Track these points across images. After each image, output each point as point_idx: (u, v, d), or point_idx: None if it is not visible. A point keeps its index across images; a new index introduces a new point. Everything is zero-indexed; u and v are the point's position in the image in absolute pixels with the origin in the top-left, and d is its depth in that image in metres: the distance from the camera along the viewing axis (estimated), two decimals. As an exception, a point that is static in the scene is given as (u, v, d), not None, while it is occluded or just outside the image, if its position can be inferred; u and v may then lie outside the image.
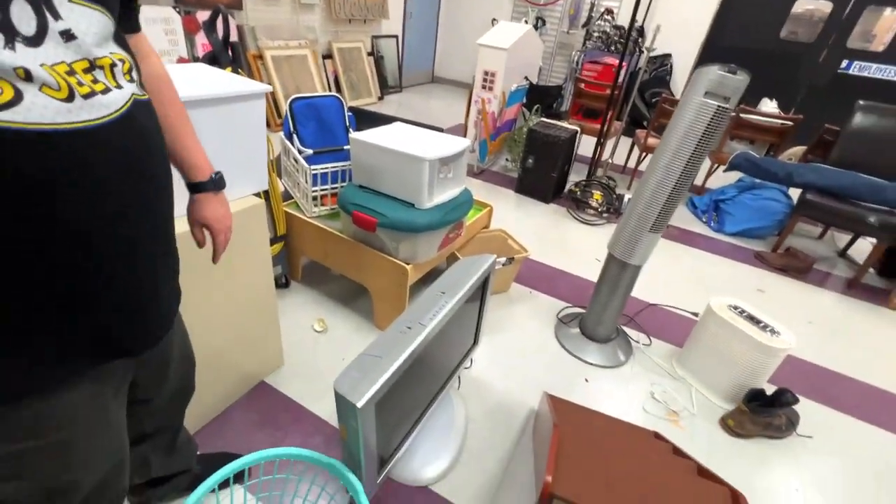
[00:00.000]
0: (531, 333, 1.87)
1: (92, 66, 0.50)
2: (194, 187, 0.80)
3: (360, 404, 0.81)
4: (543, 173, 3.04)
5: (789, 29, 4.61)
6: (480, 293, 1.33)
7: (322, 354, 1.63)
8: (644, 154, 3.55)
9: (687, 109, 1.27)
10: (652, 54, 4.83)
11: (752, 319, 1.57)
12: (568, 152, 3.06)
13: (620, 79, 3.04)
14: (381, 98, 5.34)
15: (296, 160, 1.75)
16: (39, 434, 0.57)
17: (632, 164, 3.82)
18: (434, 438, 1.33)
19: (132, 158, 0.53)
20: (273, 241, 1.78)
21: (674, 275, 2.44)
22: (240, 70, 1.38)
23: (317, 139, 1.80)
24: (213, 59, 1.36)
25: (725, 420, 1.54)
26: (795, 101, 4.69)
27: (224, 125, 1.06)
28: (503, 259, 1.87)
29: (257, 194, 1.23)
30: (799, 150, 3.33)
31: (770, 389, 1.52)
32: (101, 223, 0.51)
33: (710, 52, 4.85)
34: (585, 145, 3.77)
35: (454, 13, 6.38)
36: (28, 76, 0.43)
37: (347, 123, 1.87)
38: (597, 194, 2.96)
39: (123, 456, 0.72)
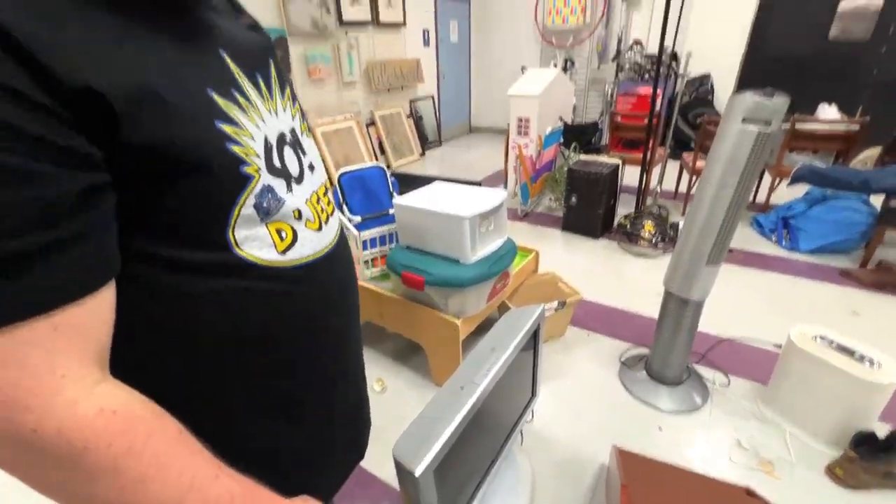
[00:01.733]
0: (594, 379, 1.79)
1: (325, 188, 0.57)
2: None
3: (418, 472, 0.81)
4: (589, 210, 3.01)
5: (840, 28, 4.38)
6: (533, 343, 1.31)
7: (383, 414, 1.65)
8: (694, 177, 3.42)
9: (726, 138, 1.24)
10: (689, 77, 4.77)
11: (843, 350, 1.41)
12: (612, 186, 3.02)
13: (657, 108, 3.01)
14: (422, 154, 5.63)
15: (346, 228, 1.88)
16: None
17: (683, 188, 3.68)
18: (501, 498, 1.28)
19: (348, 263, 0.61)
20: (331, 306, 1.88)
21: (746, 303, 2.26)
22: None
23: (364, 206, 1.93)
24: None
25: (833, 469, 1.35)
26: (859, 103, 4.35)
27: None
28: (554, 304, 1.84)
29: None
30: (873, 152, 3.05)
31: (884, 430, 1.33)
32: (346, 324, 0.59)
33: (753, 65, 4.70)
34: (631, 174, 3.71)
35: (484, 66, 6.71)
36: (299, 215, 0.49)
37: (391, 188, 2.00)
38: (648, 225, 2.86)
39: None
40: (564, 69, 5.64)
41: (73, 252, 0.33)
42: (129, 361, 0.39)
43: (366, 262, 1.88)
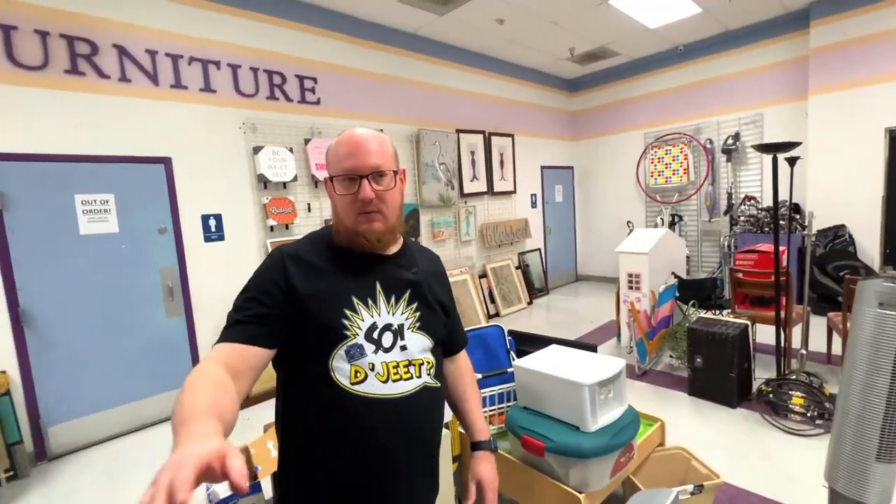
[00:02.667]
0: None
1: (410, 363, 0.89)
2: (475, 445, 1.05)
3: None
4: (719, 373, 2.77)
5: None
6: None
7: None
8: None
9: (863, 324, 1.21)
10: (821, 227, 4.51)
11: None
12: (743, 348, 2.79)
13: (783, 264, 2.89)
14: (530, 302, 5.83)
15: (468, 384, 2.03)
16: None
17: (837, 349, 3.20)
18: None
19: (409, 418, 0.88)
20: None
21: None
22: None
23: (483, 364, 2.09)
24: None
25: None
26: None
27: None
28: (689, 487, 1.66)
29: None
30: None
31: None
32: (385, 450, 0.86)
33: (898, 216, 4.29)
34: (766, 333, 3.37)
35: (589, 221, 7.14)
36: (372, 367, 0.85)
37: (508, 347, 2.16)
38: (797, 397, 2.51)
39: None
40: (672, 224, 5.75)
41: (256, 328, 0.80)
42: (284, 399, 0.89)
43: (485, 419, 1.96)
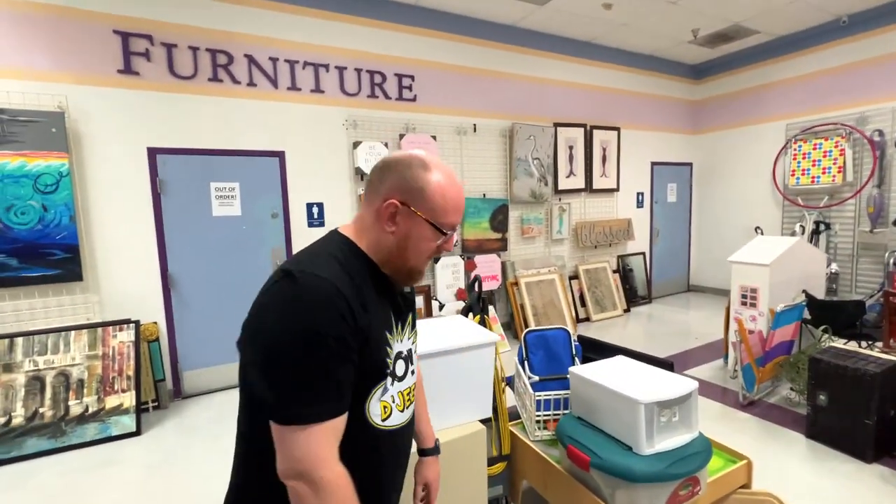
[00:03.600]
0: None
1: (410, 389, 0.90)
2: (422, 452, 1.06)
3: None
4: (849, 416, 2.25)
5: None
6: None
7: None
8: None
9: None
10: None
11: None
12: (889, 390, 2.23)
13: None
14: (627, 310, 5.39)
15: (524, 384, 1.97)
16: None
17: None
18: None
19: (408, 441, 0.93)
20: (497, 460, 1.91)
21: None
22: (485, 317, 1.82)
23: (544, 366, 2.01)
24: (468, 309, 1.87)
25: None
26: None
27: (462, 365, 1.41)
28: (772, 543, 1.40)
29: (483, 420, 1.47)
30: None
31: None
32: (399, 466, 0.91)
33: None
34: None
35: (708, 225, 6.30)
36: (393, 399, 0.84)
37: (573, 353, 2.04)
38: (965, 463, 1.92)
39: None
40: (816, 232, 4.80)
41: (345, 395, 0.73)
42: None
43: (538, 422, 1.89)
